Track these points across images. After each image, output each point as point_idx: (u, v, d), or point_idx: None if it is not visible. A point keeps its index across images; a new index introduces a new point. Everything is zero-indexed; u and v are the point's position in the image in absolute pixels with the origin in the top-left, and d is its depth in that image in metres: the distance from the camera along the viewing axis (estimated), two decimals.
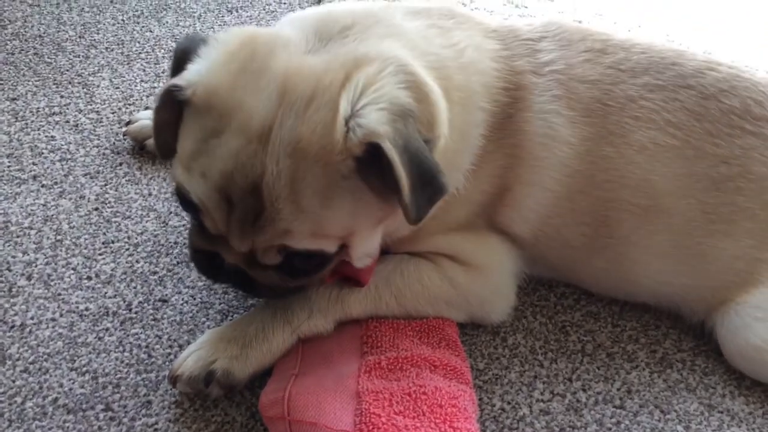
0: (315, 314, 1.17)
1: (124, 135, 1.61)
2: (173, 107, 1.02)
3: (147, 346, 1.23)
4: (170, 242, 1.42)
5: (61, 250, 1.38)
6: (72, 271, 1.34)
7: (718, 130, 1.21)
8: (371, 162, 0.96)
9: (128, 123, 1.61)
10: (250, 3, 2.12)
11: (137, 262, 1.37)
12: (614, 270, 1.30)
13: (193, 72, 1.01)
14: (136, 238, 1.42)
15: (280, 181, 0.96)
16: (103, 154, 1.59)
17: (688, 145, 1.21)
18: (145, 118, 1.59)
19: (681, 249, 1.24)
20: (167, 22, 2.01)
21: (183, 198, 1.03)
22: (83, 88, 1.76)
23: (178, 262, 1.38)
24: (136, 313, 1.28)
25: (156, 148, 1.11)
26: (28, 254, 1.37)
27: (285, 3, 2.13)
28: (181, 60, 1.05)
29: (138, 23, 1.99)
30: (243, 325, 1.17)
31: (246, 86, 0.98)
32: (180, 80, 1.01)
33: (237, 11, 2.10)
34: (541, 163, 1.21)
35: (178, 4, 2.09)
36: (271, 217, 0.98)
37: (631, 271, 1.29)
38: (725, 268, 1.24)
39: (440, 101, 1.06)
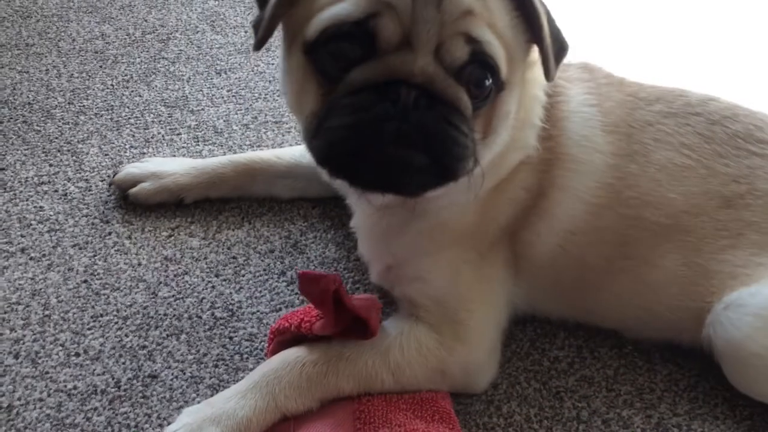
0: (303, 391, 1.15)
1: (110, 185, 1.65)
2: None
3: (136, 426, 1.21)
4: (159, 314, 1.40)
5: (49, 326, 1.37)
6: (60, 348, 1.33)
7: (726, 151, 1.32)
8: None
9: (115, 174, 1.65)
10: (239, 65, 2.14)
11: (126, 336, 1.36)
12: (628, 295, 1.32)
13: None
14: (125, 311, 1.41)
15: None
16: (92, 223, 1.58)
17: (701, 165, 1.30)
18: (130, 168, 1.64)
19: (692, 268, 1.28)
20: (156, 86, 2.02)
21: (338, 36, 1.02)
22: (72, 156, 1.76)
23: (167, 335, 1.37)
24: (125, 390, 1.26)
25: (263, 31, 1.12)
26: (16, 331, 1.35)
27: (273, 64, 2.15)
28: None
29: (127, 88, 2.01)
30: (223, 402, 1.14)
31: None
32: None
33: (226, 73, 2.11)
34: (578, 166, 1.28)
35: (167, 67, 2.10)
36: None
37: (644, 296, 1.31)
38: (727, 275, 1.27)
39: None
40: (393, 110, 1.00)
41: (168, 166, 1.65)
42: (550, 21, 1.15)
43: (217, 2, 2.46)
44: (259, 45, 1.16)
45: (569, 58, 1.24)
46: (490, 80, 1.08)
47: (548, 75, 1.13)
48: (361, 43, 1.03)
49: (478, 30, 1.04)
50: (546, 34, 1.10)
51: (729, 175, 1.31)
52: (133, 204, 1.62)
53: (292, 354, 1.19)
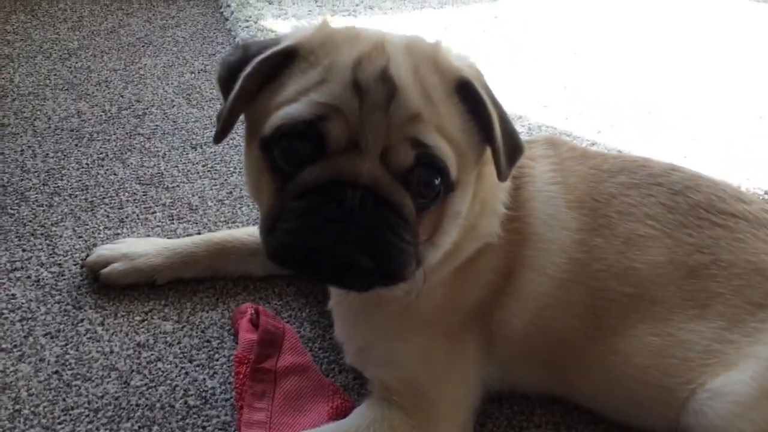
0: None
1: (82, 267, 1.65)
2: (266, 72, 1.12)
3: None
4: (131, 404, 1.39)
5: (19, 422, 1.35)
6: None
7: (689, 221, 1.33)
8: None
9: (87, 256, 1.65)
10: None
11: (97, 429, 1.34)
12: (598, 368, 1.31)
13: (291, 36, 1.15)
14: (97, 402, 1.39)
15: (403, 67, 1.09)
16: (65, 310, 1.57)
17: (666, 235, 1.31)
18: (101, 250, 1.64)
19: (663, 337, 1.27)
20: (132, 164, 2.03)
21: (290, 134, 1.06)
22: (46, 240, 1.76)
23: (140, 427, 1.35)
24: None
25: (222, 126, 1.16)
26: None
27: None
28: (235, 71, 1.13)
29: (102, 166, 2.02)
30: None
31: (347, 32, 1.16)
32: (287, 41, 1.13)
33: (201, 147, 2.13)
34: (546, 245, 1.30)
35: (142, 143, 2.12)
36: (404, 97, 1.06)
37: (615, 368, 1.30)
38: (702, 351, 1.26)
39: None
40: (338, 212, 1.04)
41: (140, 247, 1.65)
42: (504, 123, 1.17)
43: (193, 75, 2.49)
44: (218, 138, 1.19)
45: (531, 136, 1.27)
46: (439, 181, 1.10)
47: (500, 176, 1.15)
48: (312, 143, 1.06)
49: (425, 135, 1.07)
50: (498, 137, 1.12)
51: (693, 245, 1.32)
52: (105, 286, 1.62)
53: None
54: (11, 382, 1.42)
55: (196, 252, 1.64)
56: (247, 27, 2.74)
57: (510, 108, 2.34)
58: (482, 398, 1.35)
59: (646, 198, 1.35)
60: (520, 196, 1.31)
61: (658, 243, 1.31)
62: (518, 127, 2.27)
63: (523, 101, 2.44)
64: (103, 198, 1.90)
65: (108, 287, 1.62)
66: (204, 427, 1.35)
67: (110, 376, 1.44)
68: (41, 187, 1.92)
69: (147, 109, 2.29)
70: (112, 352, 1.49)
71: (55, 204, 1.87)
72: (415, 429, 1.23)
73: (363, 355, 1.33)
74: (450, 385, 1.28)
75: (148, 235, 1.79)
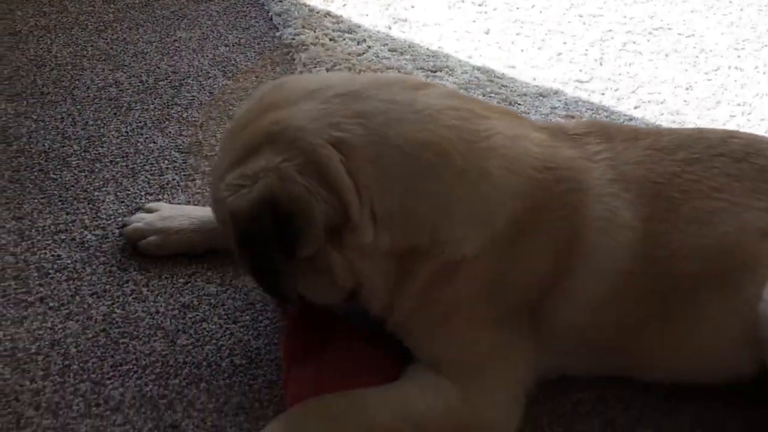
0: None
1: (120, 234, 1.67)
2: None
3: None
4: (179, 362, 1.40)
5: (69, 376, 1.36)
6: (80, 399, 1.32)
7: (758, 186, 1.31)
8: None
9: (123, 226, 1.66)
10: None
11: (146, 385, 1.36)
12: (668, 343, 1.30)
13: None
14: (145, 360, 1.40)
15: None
16: (110, 271, 1.59)
17: (734, 205, 1.29)
18: (137, 223, 1.64)
19: (733, 302, 1.27)
20: (170, 132, 2.04)
21: None
22: (88, 204, 1.77)
23: (187, 384, 1.36)
24: None
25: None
26: (36, 382, 1.35)
27: None
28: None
29: (141, 134, 2.03)
30: None
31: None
32: None
33: None
34: (600, 250, 1.25)
35: (180, 113, 2.13)
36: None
37: (686, 338, 1.30)
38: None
39: (348, 192, 1.17)
40: None
41: (175, 221, 1.63)
42: (253, 257, 1.22)
43: (227, 48, 2.49)
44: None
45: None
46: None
47: None
48: None
49: None
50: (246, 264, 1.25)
51: (764, 209, 1.29)
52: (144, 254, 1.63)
53: (312, 404, 1.22)
54: (60, 339, 1.43)
55: None
56: (280, 1, 2.74)
57: (546, 84, 2.33)
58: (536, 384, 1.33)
59: (709, 171, 1.32)
60: (570, 200, 1.26)
61: (726, 215, 1.28)
62: (555, 103, 2.27)
63: (560, 77, 2.42)
64: (144, 165, 1.92)
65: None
66: (250, 385, 1.37)
67: (156, 335, 1.45)
68: (82, 154, 1.94)
69: (183, 80, 2.29)
70: (157, 312, 1.50)
71: (97, 170, 1.89)
72: (466, 400, 1.23)
73: (404, 328, 1.32)
74: (499, 361, 1.27)
75: (189, 202, 1.80)
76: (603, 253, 1.26)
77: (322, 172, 1.16)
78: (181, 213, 1.68)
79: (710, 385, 1.36)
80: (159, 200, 1.80)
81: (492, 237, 1.23)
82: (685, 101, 2.34)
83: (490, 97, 2.27)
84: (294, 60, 2.42)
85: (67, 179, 1.85)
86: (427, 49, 2.53)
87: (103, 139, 2.00)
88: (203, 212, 1.67)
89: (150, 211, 1.69)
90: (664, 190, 1.30)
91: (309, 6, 2.74)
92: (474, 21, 2.74)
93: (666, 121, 2.22)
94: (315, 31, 2.56)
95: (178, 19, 2.65)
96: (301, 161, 1.16)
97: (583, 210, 1.26)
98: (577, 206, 1.26)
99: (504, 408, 1.27)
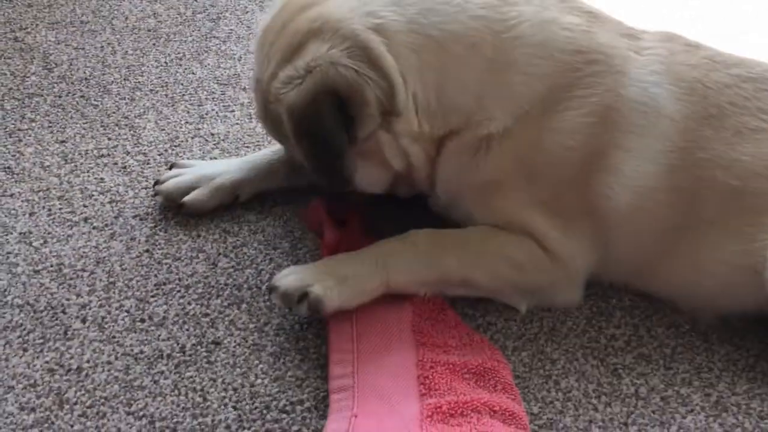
0: (413, 267, 1.30)
1: (155, 195, 1.58)
2: None
3: (202, 390, 1.24)
4: (220, 284, 1.43)
5: (114, 293, 1.40)
6: (125, 314, 1.36)
7: None
8: None
9: (156, 183, 1.57)
10: None
11: (189, 304, 1.39)
12: (691, 254, 1.34)
13: None
14: (187, 280, 1.43)
15: (259, 108, 1.37)
16: (151, 196, 1.61)
17: None
18: (174, 179, 1.56)
19: (758, 228, 1.29)
20: (209, 65, 2.05)
21: None
22: (130, 130, 1.79)
23: (229, 304, 1.39)
24: (189, 356, 1.29)
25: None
26: (82, 297, 1.39)
27: None
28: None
29: (180, 65, 2.03)
30: (342, 266, 1.30)
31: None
32: None
33: None
34: (641, 131, 1.31)
35: (218, 46, 2.13)
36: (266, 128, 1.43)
37: (706, 255, 1.33)
38: None
39: (394, 73, 1.23)
40: None
41: (215, 167, 1.59)
42: (319, 145, 1.27)
43: None
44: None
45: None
46: None
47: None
48: None
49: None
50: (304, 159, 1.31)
51: None
52: (189, 214, 1.55)
53: (408, 234, 1.34)
54: (105, 257, 1.47)
55: (276, 160, 1.59)
56: None
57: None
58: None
59: (760, 93, 1.34)
60: (603, 81, 1.30)
61: (767, 136, 1.30)
62: None
63: None
64: (183, 95, 1.93)
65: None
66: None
67: (198, 257, 1.48)
68: (123, 82, 1.95)
69: (221, 13, 2.29)
70: (199, 236, 1.53)
71: (137, 98, 1.90)
72: (543, 252, 1.33)
73: (451, 203, 1.41)
74: (572, 241, 1.34)
75: (228, 133, 1.81)
76: (646, 132, 1.30)
77: (368, 55, 1.22)
78: (216, 163, 1.63)
79: (717, 314, 1.39)
80: (198, 130, 1.82)
81: (518, 116, 1.30)
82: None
83: None
84: None
85: (108, 106, 1.86)
86: None
87: (143, 69, 2.01)
88: (238, 159, 1.63)
89: (181, 166, 1.61)
90: (714, 96, 1.32)
91: None
92: None
93: None
94: None
95: None
96: (347, 46, 1.22)
97: (620, 90, 1.30)
98: (612, 87, 1.30)
99: (571, 273, 1.37)
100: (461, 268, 1.33)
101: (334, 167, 1.25)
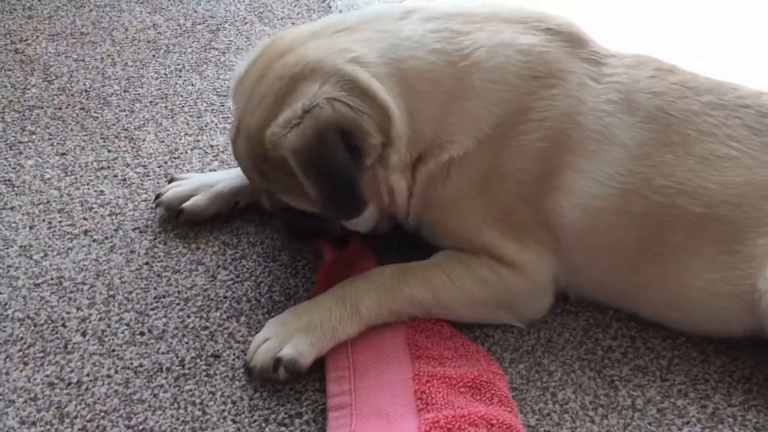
0: (381, 300, 1.31)
1: (156, 206, 1.58)
2: None
3: (201, 403, 1.25)
4: (219, 297, 1.44)
5: (113, 306, 1.41)
6: (125, 327, 1.37)
7: None
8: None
9: (158, 196, 1.58)
10: None
11: (188, 317, 1.40)
12: (666, 280, 1.34)
13: None
14: (186, 293, 1.44)
15: (245, 158, 1.35)
16: (151, 208, 1.62)
17: (748, 156, 1.31)
18: (174, 187, 1.58)
19: (732, 255, 1.29)
20: (208, 76, 2.06)
21: None
22: (129, 142, 1.80)
23: (228, 317, 1.40)
24: (189, 369, 1.30)
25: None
26: (82, 310, 1.40)
27: None
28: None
29: (180, 77, 2.05)
30: (309, 314, 1.30)
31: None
32: None
33: None
34: (593, 155, 1.32)
35: (218, 57, 2.14)
36: (252, 179, 1.38)
37: (682, 282, 1.33)
38: None
39: (390, 105, 1.27)
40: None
41: (213, 176, 1.62)
42: (334, 181, 1.26)
43: None
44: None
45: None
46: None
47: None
48: None
49: (280, 197, 1.37)
50: (317, 199, 1.27)
51: None
52: (188, 222, 1.57)
53: (371, 272, 1.36)
54: (105, 270, 1.48)
55: None
56: None
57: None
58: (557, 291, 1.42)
59: (731, 119, 1.33)
60: (560, 104, 1.32)
61: (737, 164, 1.30)
62: None
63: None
64: (182, 106, 1.94)
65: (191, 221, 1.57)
66: None
67: (198, 270, 1.49)
68: (122, 94, 1.96)
69: (220, 24, 2.30)
70: (198, 248, 1.54)
71: (137, 110, 1.91)
72: (504, 267, 1.35)
73: (421, 226, 1.44)
74: (531, 251, 1.36)
75: (227, 144, 1.82)
76: (596, 156, 1.31)
77: (359, 86, 1.26)
78: (215, 174, 1.64)
79: (704, 337, 1.39)
80: (198, 142, 1.83)
81: (478, 139, 1.33)
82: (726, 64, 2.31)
83: None
84: (330, 7, 2.41)
85: (108, 118, 1.87)
86: None
87: (143, 80, 2.02)
88: (235, 170, 1.62)
89: (181, 180, 1.62)
90: (678, 124, 1.33)
91: None
92: None
93: None
94: None
95: None
96: (336, 81, 1.25)
97: (575, 117, 1.33)
98: (567, 112, 1.33)
99: (535, 281, 1.38)
100: (430, 297, 1.34)
101: (351, 196, 1.26)
